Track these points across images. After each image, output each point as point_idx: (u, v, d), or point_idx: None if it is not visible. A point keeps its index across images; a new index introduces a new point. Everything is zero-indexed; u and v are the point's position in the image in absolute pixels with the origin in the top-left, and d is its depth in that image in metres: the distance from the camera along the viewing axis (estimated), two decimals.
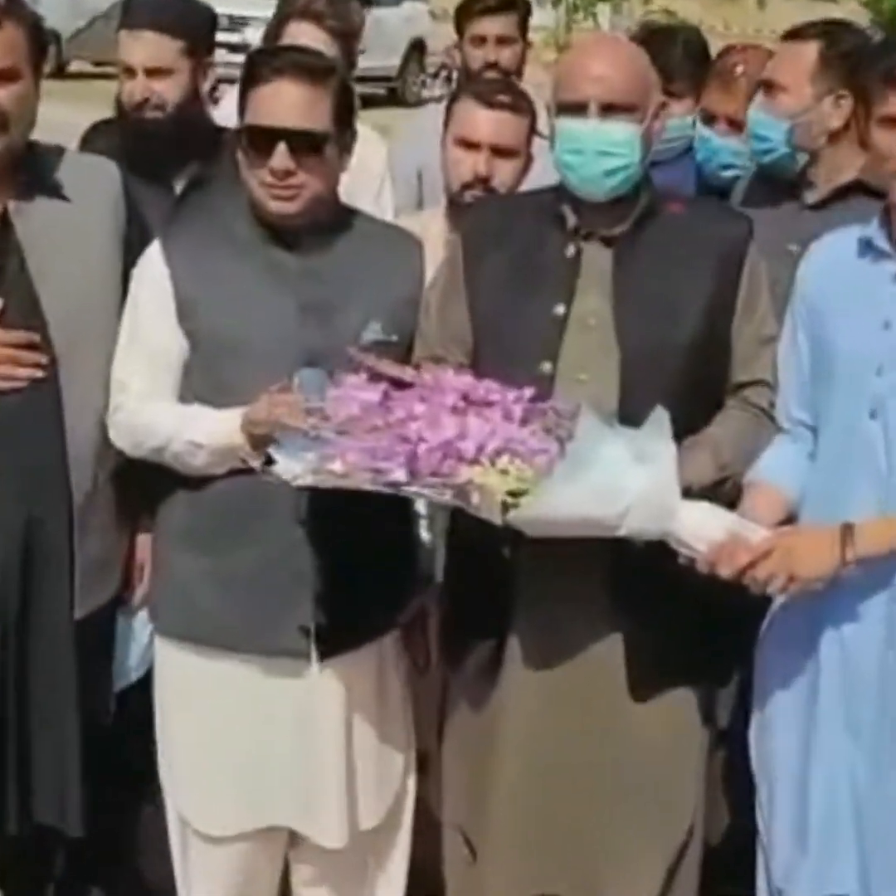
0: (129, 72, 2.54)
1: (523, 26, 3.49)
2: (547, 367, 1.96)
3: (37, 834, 2.22)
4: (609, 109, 1.94)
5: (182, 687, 2.17)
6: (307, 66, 2.03)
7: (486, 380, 1.88)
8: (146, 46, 2.51)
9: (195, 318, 2.05)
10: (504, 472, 1.74)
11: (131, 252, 2.17)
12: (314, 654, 2.07)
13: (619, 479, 1.78)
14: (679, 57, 2.97)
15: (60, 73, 12.42)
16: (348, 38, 3.04)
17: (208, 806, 2.16)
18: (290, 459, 1.80)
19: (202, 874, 2.22)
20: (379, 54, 11.13)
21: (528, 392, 1.86)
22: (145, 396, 2.09)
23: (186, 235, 2.18)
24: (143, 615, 2.27)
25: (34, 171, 2.12)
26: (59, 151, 2.20)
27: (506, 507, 1.73)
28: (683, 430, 1.88)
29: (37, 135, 2.13)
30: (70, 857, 2.39)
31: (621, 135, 1.95)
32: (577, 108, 1.95)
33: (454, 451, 1.75)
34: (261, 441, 1.90)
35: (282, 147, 1.95)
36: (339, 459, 1.75)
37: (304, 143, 1.98)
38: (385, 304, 2.07)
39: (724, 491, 1.96)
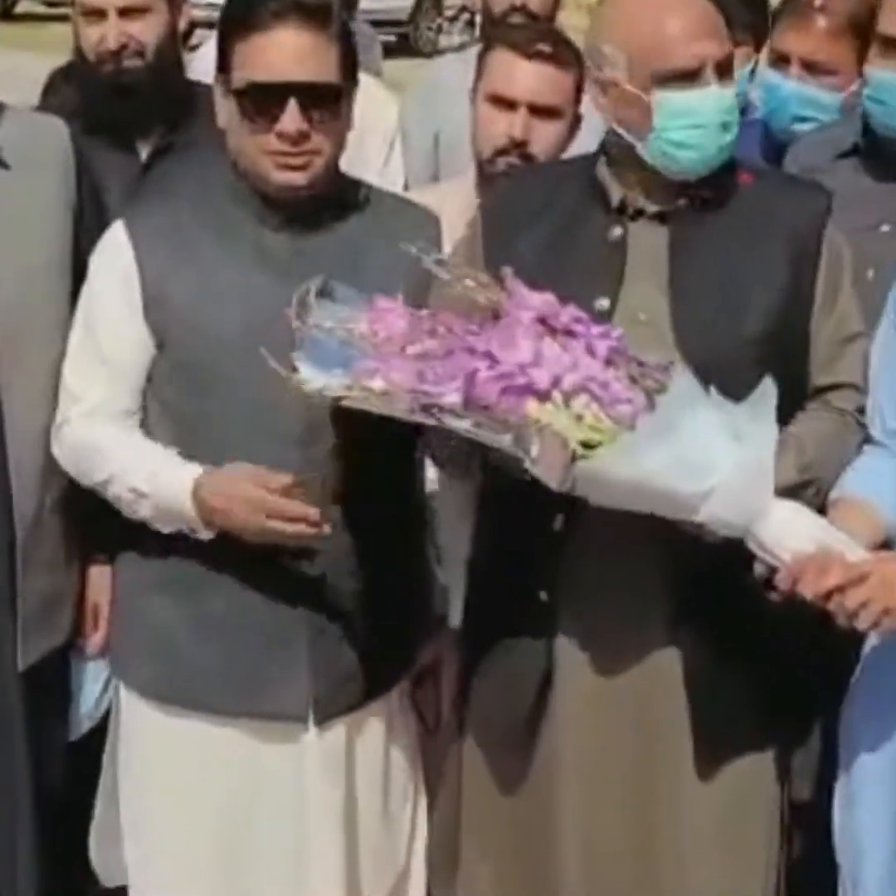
0: (98, 13, 2.17)
1: None
2: None
3: None
4: (723, 71, 1.65)
5: (154, 753, 1.84)
6: (310, 8, 1.69)
7: (569, 304, 1.56)
8: None
9: (166, 314, 1.72)
10: (579, 417, 1.45)
11: (84, 230, 1.86)
12: (311, 717, 1.76)
13: (709, 453, 1.50)
14: None
15: (7, 15, 11.35)
16: None
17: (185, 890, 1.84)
18: (318, 370, 1.51)
19: None
20: None
21: (618, 331, 1.55)
22: (99, 410, 1.76)
23: (157, 214, 1.84)
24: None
25: None
26: None
27: (574, 458, 1.44)
28: None
29: None
30: None
31: (732, 99, 1.67)
32: (689, 76, 1.63)
33: (523, 380, 1.45)
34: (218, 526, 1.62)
35: (293, 105, 1.64)
36: (379, 375, 1.46)
37: (318, 100, 1.68)
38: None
39: (806, 498, 1.64)
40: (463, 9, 10.91)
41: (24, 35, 9.35)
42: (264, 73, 1.66)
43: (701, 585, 1.63)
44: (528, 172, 2.01)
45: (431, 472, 1.89)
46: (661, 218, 1.71)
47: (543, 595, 1.70)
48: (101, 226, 1.83)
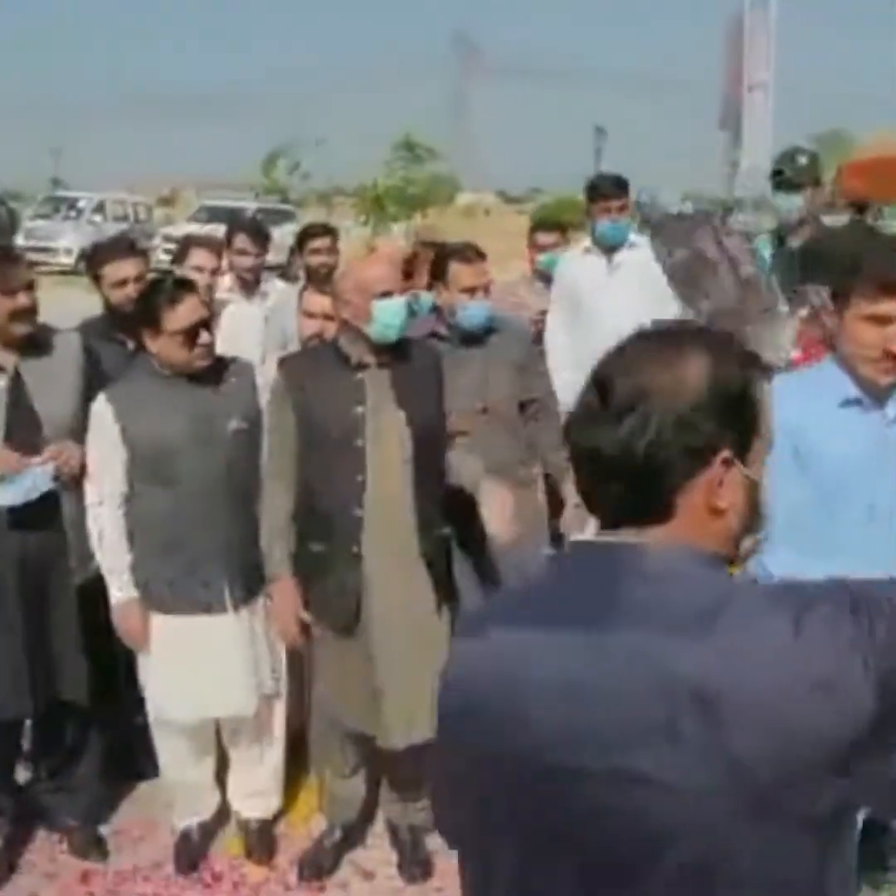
0: (123, 284, 3.98)
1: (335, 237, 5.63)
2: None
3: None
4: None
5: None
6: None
7: None
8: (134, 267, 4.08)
9: (130, 435, 3.33)
10: None
11: (91, 385, 3.43)
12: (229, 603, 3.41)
13: None
14: None
15: None
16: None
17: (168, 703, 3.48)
18: None
19: (167, 746, 3.59)
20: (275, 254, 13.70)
21: None
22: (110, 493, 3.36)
23: (122, 386, 3.42)
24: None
25: (34, 340, 3.40)
26: (44, 327, 3.46)
27: None
28: None
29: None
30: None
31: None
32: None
33: None
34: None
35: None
36: None
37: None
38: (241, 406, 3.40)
39: None
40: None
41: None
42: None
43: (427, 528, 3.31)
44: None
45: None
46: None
47: (356, 548, 3.24)
48: (102, 386, 3.37)
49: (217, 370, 3.39)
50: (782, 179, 4.72)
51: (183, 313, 3.25)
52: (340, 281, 3.36)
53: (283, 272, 6.51)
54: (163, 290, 3.31)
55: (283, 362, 3.45)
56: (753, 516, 1.32)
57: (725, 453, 1.26)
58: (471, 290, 3.81)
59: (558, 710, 1.22)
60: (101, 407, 3.31)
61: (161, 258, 21.17)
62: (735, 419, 1.27)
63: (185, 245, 5.10)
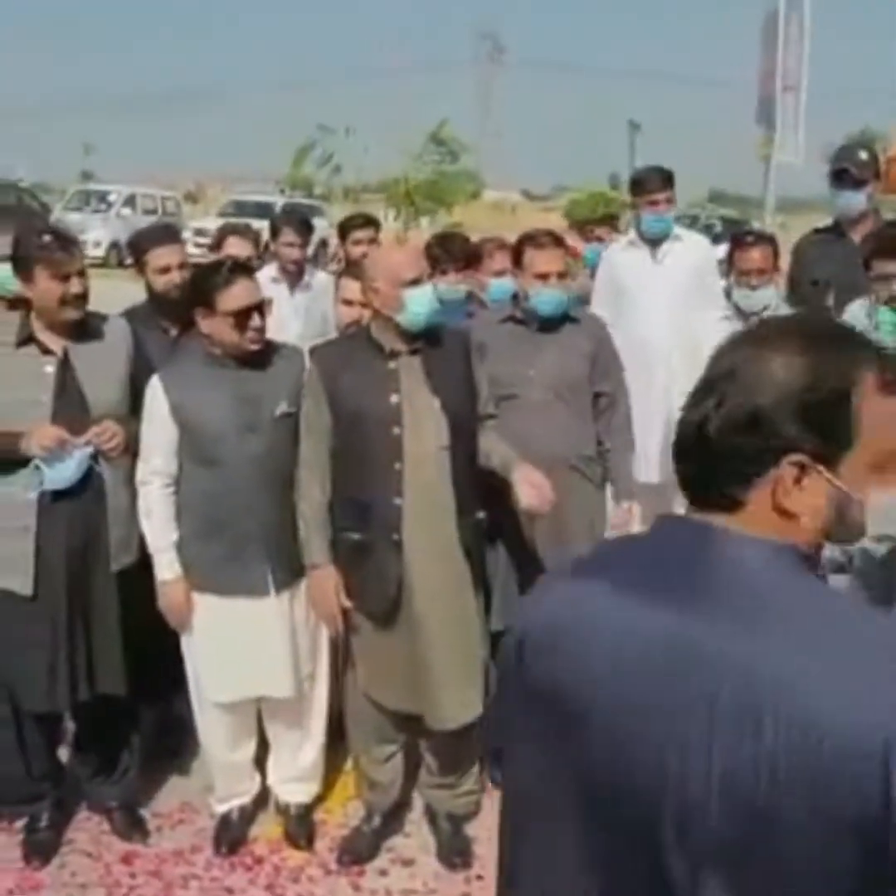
0: (167, 270, 4.04)
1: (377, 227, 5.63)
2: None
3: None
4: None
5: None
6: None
7: None
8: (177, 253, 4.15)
9: (181, 415, 3.35)
10: None
11: (137, 371, 3.51)
12: (272, 586, 3.44)
13: None
14: None
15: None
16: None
17: (210, 683, 3.52)
18: None
19: (209, 727, 3.61)
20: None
21: None
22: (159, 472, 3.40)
23: (174, 367, 3.47)
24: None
25: (84, 325, 3.43)
26: (94, 314, 3.49)
27: None
28: None
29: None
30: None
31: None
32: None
33: None
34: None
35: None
36: None
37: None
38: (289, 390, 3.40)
39: None
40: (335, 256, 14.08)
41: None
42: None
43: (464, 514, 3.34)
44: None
45: None
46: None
47: (396, 536, 3.25)
48: (147, 374, 3.42)
49: (266, 354, 3.41)
50: (847, 176, 4.73)
51: (237, 294, 3.27)
52: (369, 270, 3.36)
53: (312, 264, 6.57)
54: (219, 271, 3.33)
55: (314, 352, 3.46)
56: (840, 527, 1.26)
57: (799, 456, 1.20)
58: (544, 276, 3.80)
59: (625, 679, 1.22)
60: (154, 386, 3.35)
61: (191, 251, 21.37)
62: (824, 425, 1.21)
63: (222, 234, 5.17)
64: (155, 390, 3.35)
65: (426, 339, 3.32)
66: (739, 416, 1.22)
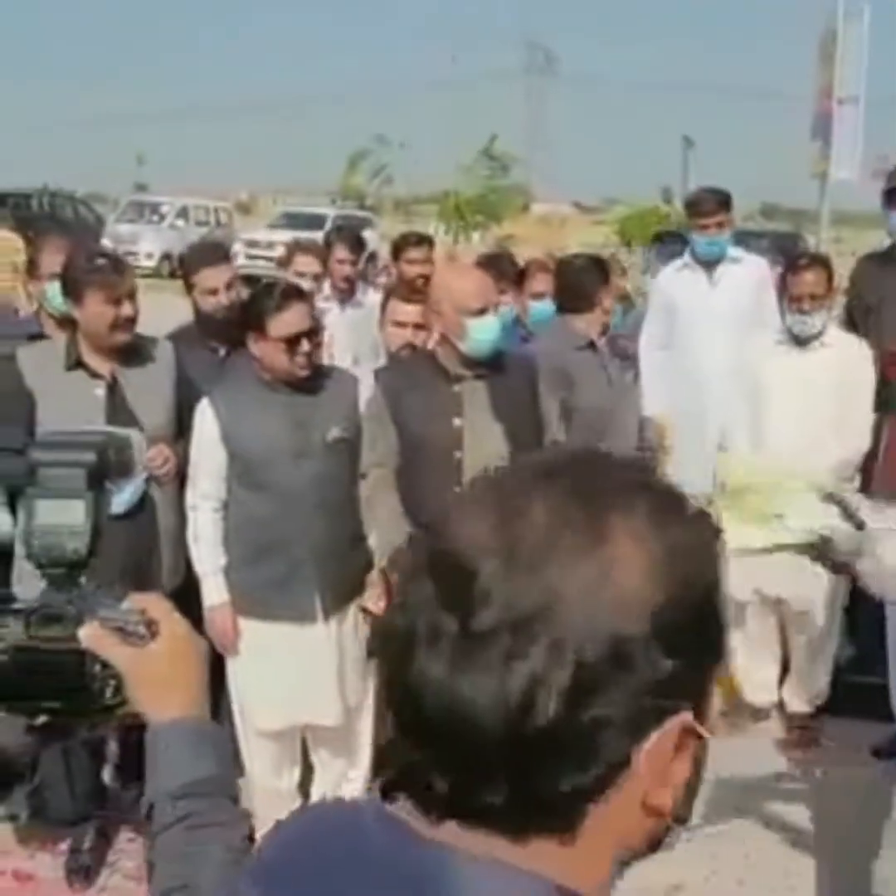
0: (214, 291, 3.99)
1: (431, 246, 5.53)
2: None
3: None
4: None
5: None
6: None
7: None
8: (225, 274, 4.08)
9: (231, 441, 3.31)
10: None
11: (182, 394, 3.49)
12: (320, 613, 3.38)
13: None
14: None
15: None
16: None
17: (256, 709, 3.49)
18: None
19: (255, 753, 3.56)
20: None
21: None
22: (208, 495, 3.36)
23: (224, 390, 3.43)
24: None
25: (132, 348, 3.42)
26: (140, 336, 3.47)
27: None
28: None
29: None
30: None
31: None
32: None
33: None
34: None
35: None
36: None
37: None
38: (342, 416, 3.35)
39: None
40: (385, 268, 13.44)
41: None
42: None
43: None
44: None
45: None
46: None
47: None
48: (191, 395, 3.41)
49: (318, 379, 3.37)
50: None
51: (289, 320, 3.22)
52: (434, 292, 3.35)
53: (362, 278, 6.55)
54: (272, 294, 3.29)
55: (379, 374, 3.45)
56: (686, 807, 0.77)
57: (684, 715, 0.73)
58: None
59: None
60: (204, 409, 3.32)
61: (242, 262, 21.61)
62: (694, 647, 0.73)
63: (291, 251, 5.14)
64: (204, 413, 3.32)
65: (491, 364, 3.30)
66: (592, 671, 0.69)
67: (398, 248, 5.59)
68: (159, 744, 1.10)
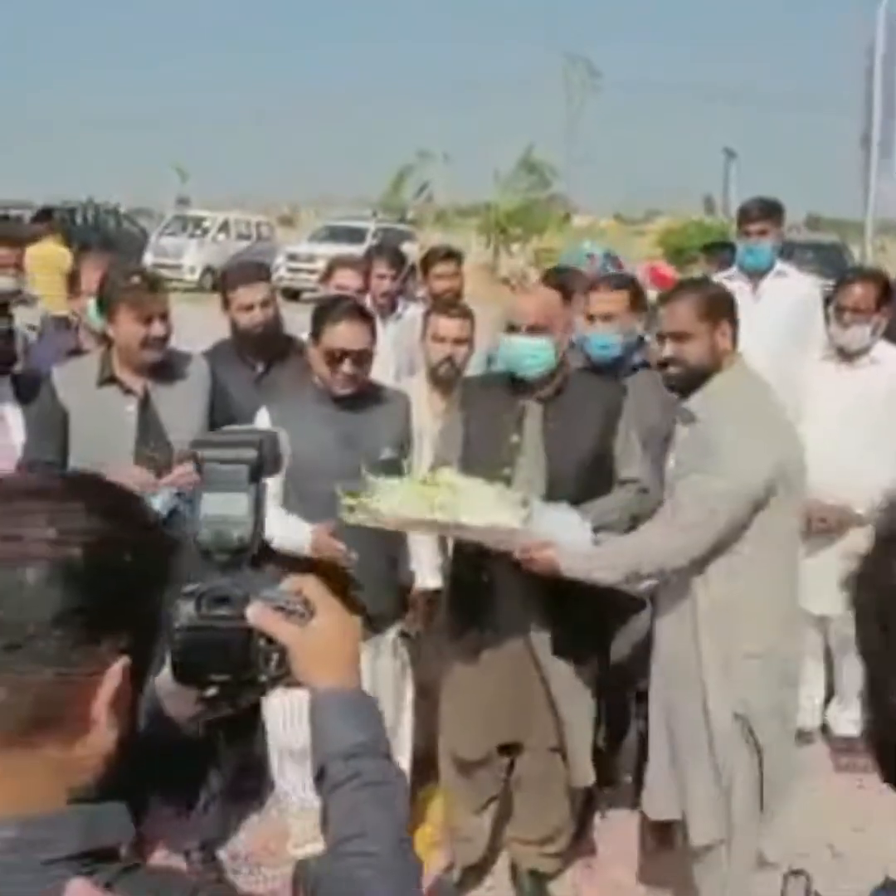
0: (251, 308, 4.05)
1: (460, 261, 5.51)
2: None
3: None
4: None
5: None
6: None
7: None
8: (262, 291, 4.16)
9: None
10: None
11: (216, 410, 3.48)
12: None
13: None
14: None
15: None
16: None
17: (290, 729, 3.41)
18: None
19: (289, 773, 3.51)
20: None
21: None
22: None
23: (279, 400, 3.46)
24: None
25: (164, 364, 3.41)
26: (174, 352, 3.47)
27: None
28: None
29: None
30: None
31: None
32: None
33: None
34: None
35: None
36: None
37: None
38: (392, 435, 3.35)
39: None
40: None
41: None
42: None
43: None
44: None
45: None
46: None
47: (484, 576, 3.21)
48: (228, 411, 3.47)
49: (369, 397, 3.38)
50: None
51: (341, 333, 3.27)
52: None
53: (401, 291, 6.51)
54: (337, 306, 3.37)
55: (465, 382, 3.65)
56: None
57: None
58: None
59: None
60: (261, 417, 3.32)
61: (283, 275, 21.76)
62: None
63: (331, 266, 5.12)
64: (261, 419, 3.30)
65: (566, 386, 3.29)
66: None
67: (427, 263, 5.58)
68: (326, 711, 1.24)
